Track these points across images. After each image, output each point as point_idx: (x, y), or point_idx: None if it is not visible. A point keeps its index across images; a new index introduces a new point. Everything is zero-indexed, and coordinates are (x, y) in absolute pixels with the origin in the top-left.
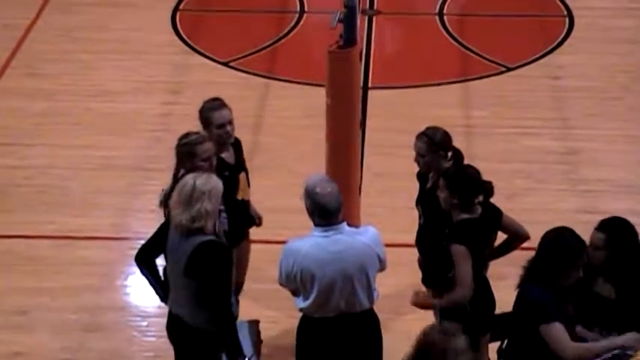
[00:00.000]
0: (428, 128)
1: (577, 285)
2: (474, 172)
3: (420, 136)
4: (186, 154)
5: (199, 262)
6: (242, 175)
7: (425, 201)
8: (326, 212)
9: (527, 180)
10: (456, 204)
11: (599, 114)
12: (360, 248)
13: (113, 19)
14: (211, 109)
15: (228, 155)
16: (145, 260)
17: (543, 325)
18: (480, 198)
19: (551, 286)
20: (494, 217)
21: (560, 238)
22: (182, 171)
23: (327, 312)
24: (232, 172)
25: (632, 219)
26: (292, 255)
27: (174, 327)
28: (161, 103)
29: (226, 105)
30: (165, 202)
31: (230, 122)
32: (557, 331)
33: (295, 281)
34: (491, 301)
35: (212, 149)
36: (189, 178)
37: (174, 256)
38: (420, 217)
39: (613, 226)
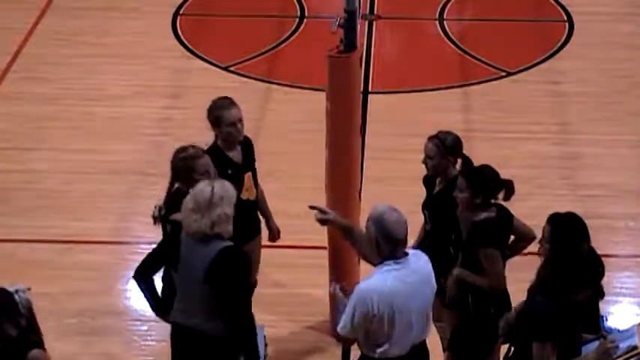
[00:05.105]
0: (440, 132)
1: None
2: (492, 170)
3: (432, 139)
4: (184, 169)
5: (221, 268)
6: (248, 175)
7: (432, 206)
8: (395, 240)
9: (527, 185)
10: (478, 204)
11: (599, 119)
12: (429, 276)
13: (114, 24)
14: (222, 108)
15: (235, 154)
16: (143, 278)
17: (536, 343)
18: (500, 196)
19: (560, 301)
20: (508, 217)
21: (577, 255)
22: (176, 185)
23: (404, 350)
24: (236, 170)
25: (632, 224)
26: (372, 293)
27: (184, 340)
28: (162, 108)
29: (236, 103)
30: (160, 218)
31: (240, 120)
32: (547, 352)
33: (372, 323)
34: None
35: (209, 162)
36: (204, 185)
37: (188, 266)
38: (426, 223)
39: (559, 220)
